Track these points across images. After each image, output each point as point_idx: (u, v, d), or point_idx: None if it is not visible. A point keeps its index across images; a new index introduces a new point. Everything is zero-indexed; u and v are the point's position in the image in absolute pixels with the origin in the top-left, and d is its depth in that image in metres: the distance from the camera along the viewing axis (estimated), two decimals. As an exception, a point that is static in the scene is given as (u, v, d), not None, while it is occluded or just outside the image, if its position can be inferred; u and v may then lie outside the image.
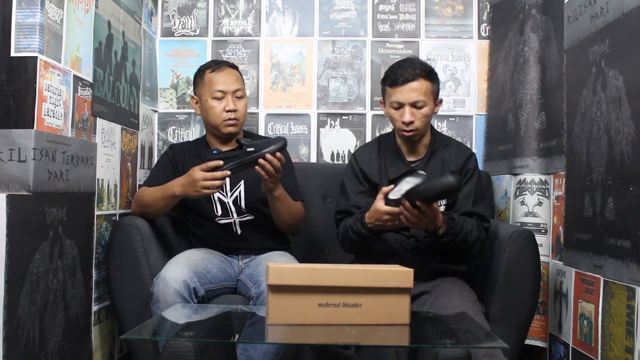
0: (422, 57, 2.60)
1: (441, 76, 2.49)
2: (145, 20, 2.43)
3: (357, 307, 1.40)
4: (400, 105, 1.85)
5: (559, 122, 2.04)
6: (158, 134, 2.63)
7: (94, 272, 1.85)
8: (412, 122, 1.84)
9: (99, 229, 1.91)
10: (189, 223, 2.12)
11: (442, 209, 1.86)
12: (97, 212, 1.88)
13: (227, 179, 2.01)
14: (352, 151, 2.40)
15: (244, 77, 2.17)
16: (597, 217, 1.73)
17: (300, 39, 2.66)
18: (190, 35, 2.65)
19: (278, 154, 1.81)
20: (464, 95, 2.64)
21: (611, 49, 1.68)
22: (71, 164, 1.65)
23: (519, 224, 2.20)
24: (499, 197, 2.41)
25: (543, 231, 2.16)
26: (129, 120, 2.20)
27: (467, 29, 2.65)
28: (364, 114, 2.64)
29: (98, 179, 1.87)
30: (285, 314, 1.38)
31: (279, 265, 1.47)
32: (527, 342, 2.08)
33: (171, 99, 2.65)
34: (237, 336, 1.59)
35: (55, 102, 1.60)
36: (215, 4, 2.66)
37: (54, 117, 1.59)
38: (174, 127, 2.64)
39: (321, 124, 2.65)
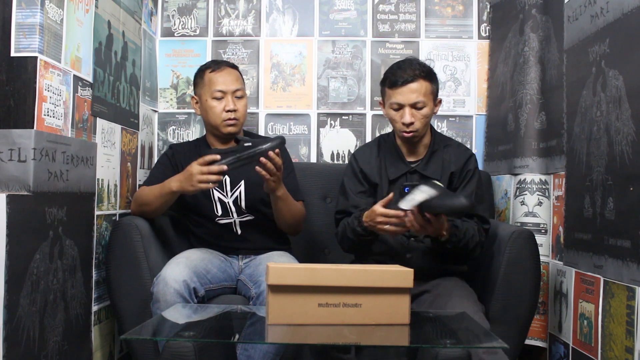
0: (422, 57, 2.61)
1: (441, 76, 2.50)
2: (145, 20, 2.43)
3: (357, 307, 1.40)
4: (400, 107, 1.85)
5: (559, 122, 2.04)
6: (158, 134, 2.63)
7: (94, 272, 1.85)
8: (412, 123, 1.84)
9: (99, 229, 1.91)
10: (189, 223, 2.12)
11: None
12: (97, 212, 1.88)
13: (227, 179, 2.01)
14: (352, 151, 2.40)
15: (244, 77, 2.17)
16: (597, 217, 1.73)
17: (300, 39, 2.66)
18: (190, 35, 2.65)
19: (276, 150, 1.81)
20: (464, 95, 2.64)
21: (611, 49, 1.68)
22: (71, 164, 1.65)
23: (519, 224, 2.20)
24: (499, 197, 2.41)
25: (543, 231, 2.16)
26: (129, 120, 2.20)
27: (467, 29, 2.65)
28: (364, 114, 2.64)
29: (98, 179, 1.87)
30: (285, 314, 1.38)
31: (279, 265, 1.47)
32: (527, 342, 2.08)
33: (171, 99, 2.65)
34: (237, 336, 1.59)
35: (55, 102, 1.60)
36: (215, 4, 2.66)
37: (54, 117, 1.59)
38: (174, 127, 2.64)
39: (321, 124, 2.65)
